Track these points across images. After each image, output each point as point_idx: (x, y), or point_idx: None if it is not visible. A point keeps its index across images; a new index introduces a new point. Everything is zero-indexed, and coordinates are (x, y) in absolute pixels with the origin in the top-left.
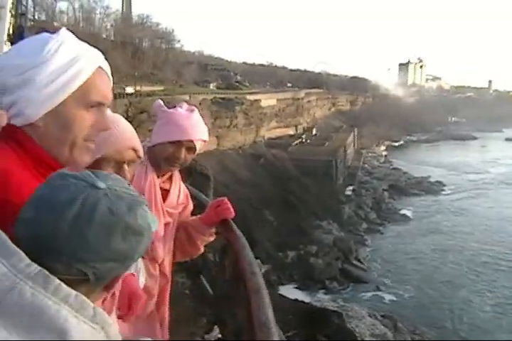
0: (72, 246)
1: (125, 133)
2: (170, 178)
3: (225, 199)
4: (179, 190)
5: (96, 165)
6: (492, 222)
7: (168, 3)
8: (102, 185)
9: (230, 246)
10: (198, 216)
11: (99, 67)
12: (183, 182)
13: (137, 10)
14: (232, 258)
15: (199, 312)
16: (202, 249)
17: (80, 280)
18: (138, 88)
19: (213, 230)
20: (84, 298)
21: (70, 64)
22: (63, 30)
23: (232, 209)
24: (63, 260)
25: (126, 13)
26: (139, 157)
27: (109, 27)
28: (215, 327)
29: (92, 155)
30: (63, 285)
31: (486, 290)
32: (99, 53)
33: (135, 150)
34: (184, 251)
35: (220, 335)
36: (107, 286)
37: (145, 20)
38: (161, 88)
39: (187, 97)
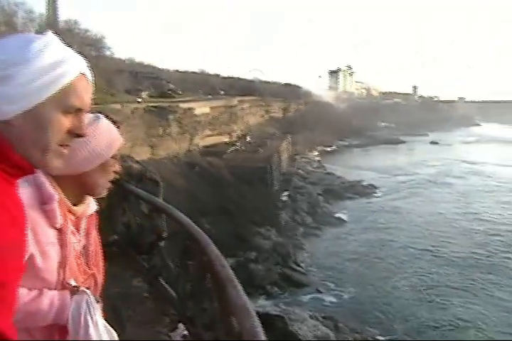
0: None
1: (117, 133)
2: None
3: None
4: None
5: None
6: (423, 218)
7: (97, 8)
8: None
9: (194, 243)
10: None
11: (82, 74)
12: (135, 187)
13: (64, 15)
14: (197, 254)
15: (161, 312)
16: None
17: None
18: None
19: None
20: None
21: (54, 66)
22: (49, 33)
23: None
24: None
25: (51, 18)
26: None
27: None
28: (179, 325)
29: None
30: None
31: (419, 280)
32: (83, 60)
33: None
34: None
35: (185, 332)
36: None
37: (73, 27)
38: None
39: (119, 106)
